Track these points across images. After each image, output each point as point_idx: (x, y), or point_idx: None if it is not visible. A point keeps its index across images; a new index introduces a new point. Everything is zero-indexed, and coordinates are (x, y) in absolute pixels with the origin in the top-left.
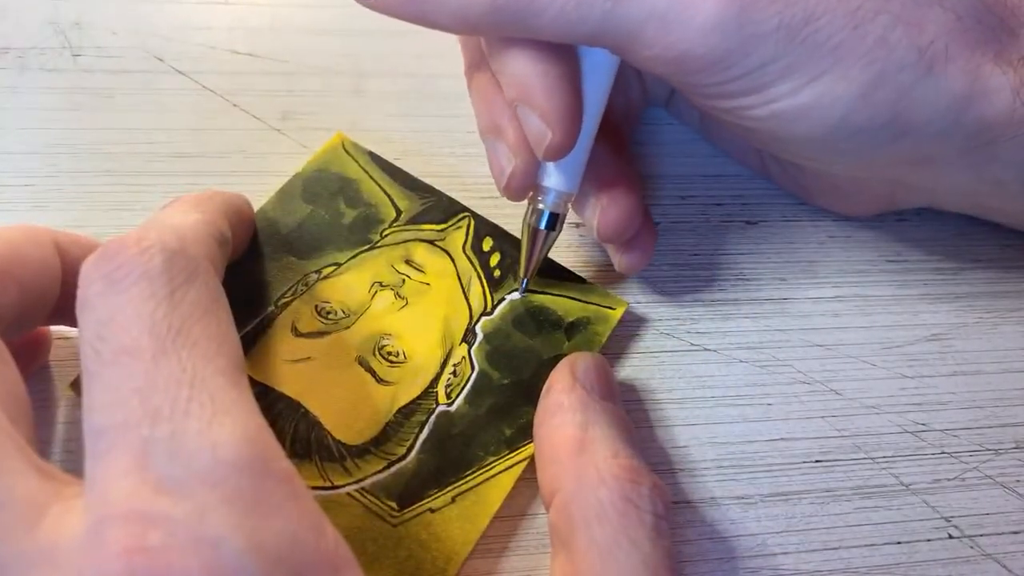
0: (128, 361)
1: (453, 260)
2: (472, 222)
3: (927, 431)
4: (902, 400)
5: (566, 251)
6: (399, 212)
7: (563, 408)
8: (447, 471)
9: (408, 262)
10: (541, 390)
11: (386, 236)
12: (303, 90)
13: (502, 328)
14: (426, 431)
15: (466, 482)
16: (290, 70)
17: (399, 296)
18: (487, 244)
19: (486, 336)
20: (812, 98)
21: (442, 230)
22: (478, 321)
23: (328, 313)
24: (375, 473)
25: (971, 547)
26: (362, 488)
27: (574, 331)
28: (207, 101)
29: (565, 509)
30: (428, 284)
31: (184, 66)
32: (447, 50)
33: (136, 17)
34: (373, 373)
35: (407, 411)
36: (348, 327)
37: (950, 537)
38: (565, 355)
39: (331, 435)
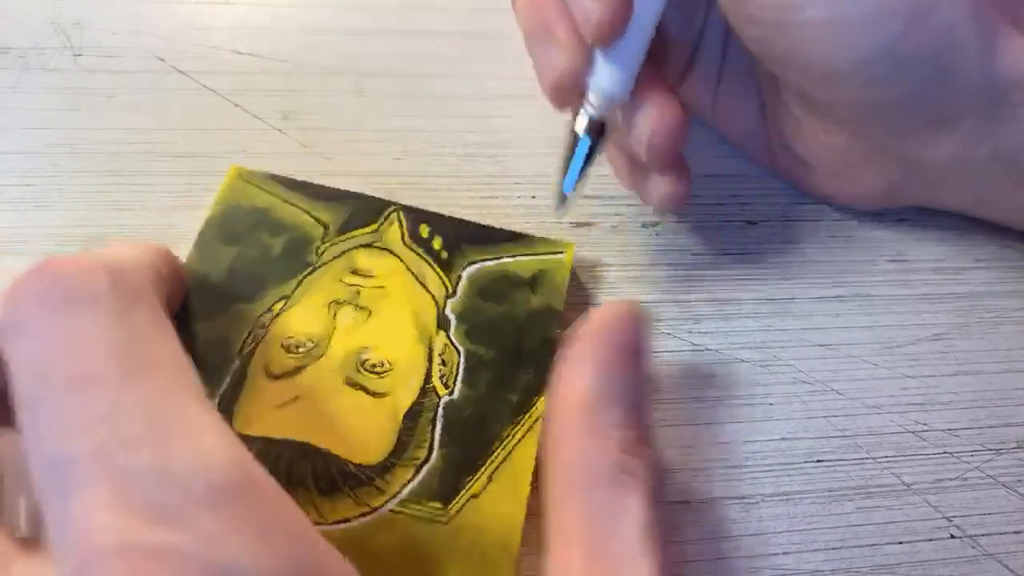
0: (86, 387)
1: (398, 256)
2: (401, 214)
3: (929, 431)
4: (904, 400)
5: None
6: (326, 226)
7: (581, 362)
8: (473, 455)
9: (355, 272)
10: (527, 347)
11: (322, 254)
12: (303, 90)
13: (470, 304)
14: (439, 426)
15: (494, 458)
16: (290, 70)
17: (360, 308)
18: (424, 231)
19: (458, 317)
20: (872, 6)
21: (375, 230)
22: (445, 305)
23: (297, 347)
24: (407, 482)
25: (973, 547)
26: (401, 500)
27: (537, 284)
28: (208, 101)
29: (561, 474)
30: (383, 287)
31: (185, 66)
32: (447, 50)
33: (137, 17)
34: (365, 389)
35: (413, 414)
36: (322, 355)
37: (952, 537)
38: (537, 309)
39: (351, 463)
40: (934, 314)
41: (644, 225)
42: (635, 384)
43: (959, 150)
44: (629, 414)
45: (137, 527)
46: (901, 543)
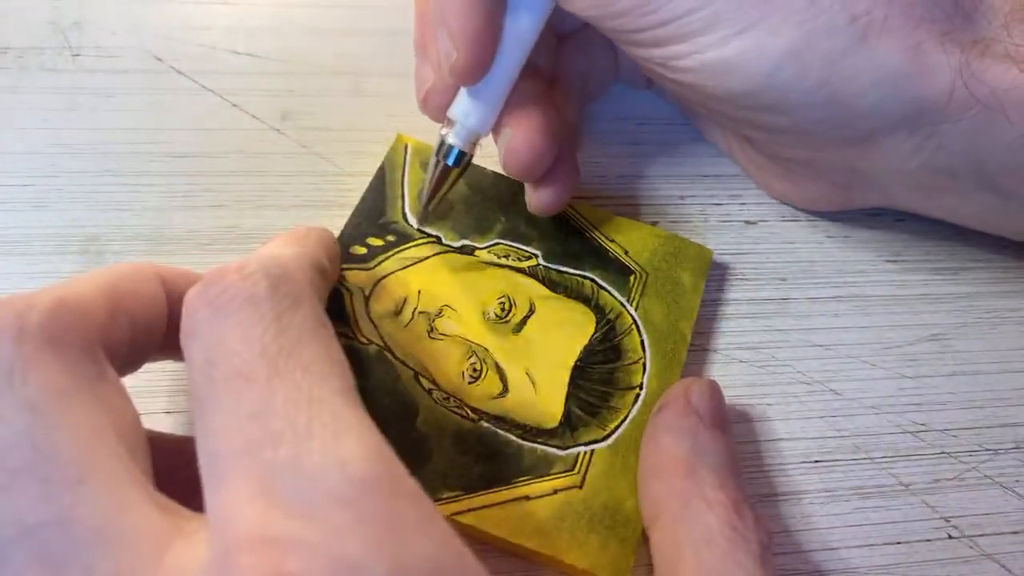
0: (241, 384)
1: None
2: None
3: (926, 431)
4: (901, 400)
5: None
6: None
7: (674, 431)
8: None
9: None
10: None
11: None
12: (303, 90)
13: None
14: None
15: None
16: (290, 70)
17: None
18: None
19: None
20: (739, 51)
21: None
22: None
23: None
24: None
25: (970, 547)
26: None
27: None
28: (207, 101)
29: (671, 531)
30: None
31: (184, 66)
32: None
33: (136, 17)
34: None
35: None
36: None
37: (949, 537)
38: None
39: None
40: (932, 314)
41: None
42: (726, 453)
43: (891, 162)
44: (725, 480)
45: (276, 520)
46: (899, 543)
